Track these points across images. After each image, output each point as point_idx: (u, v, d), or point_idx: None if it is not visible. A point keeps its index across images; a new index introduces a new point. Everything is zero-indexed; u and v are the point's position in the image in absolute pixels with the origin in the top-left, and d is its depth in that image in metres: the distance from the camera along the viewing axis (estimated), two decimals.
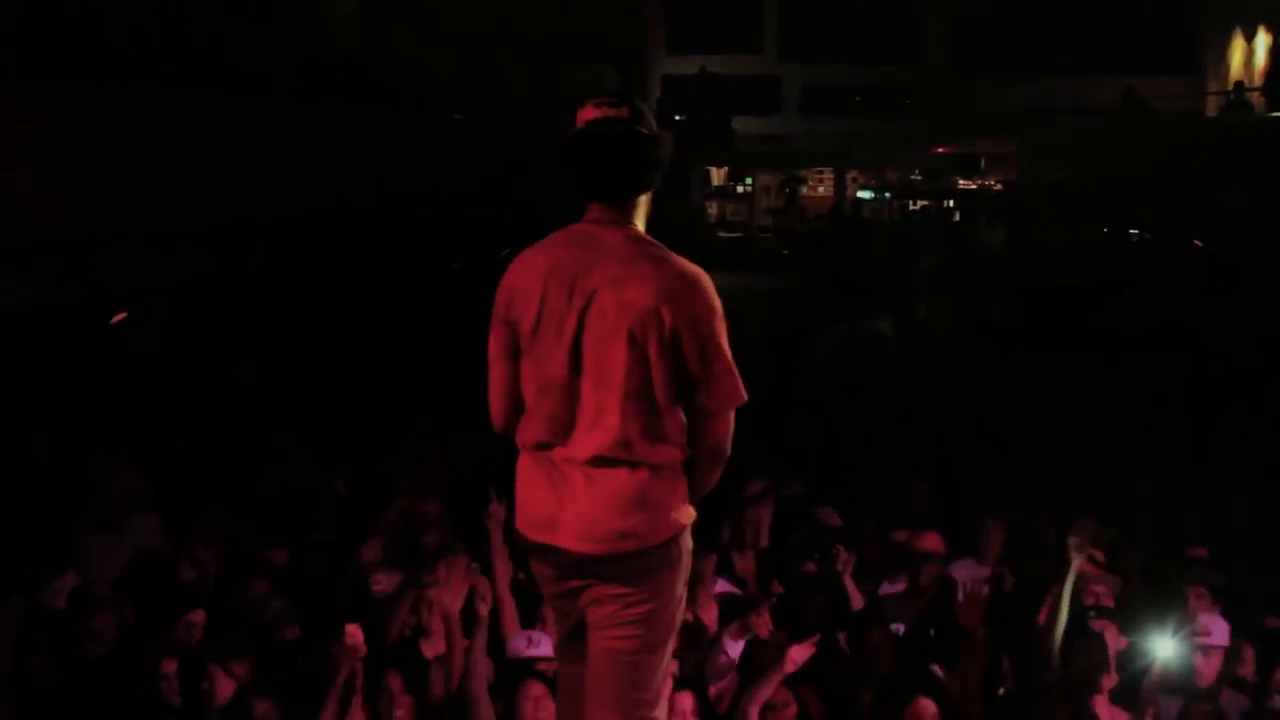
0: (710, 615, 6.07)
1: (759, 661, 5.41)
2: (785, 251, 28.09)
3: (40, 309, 8.86)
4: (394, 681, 5.27)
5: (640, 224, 3.38)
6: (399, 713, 5.23)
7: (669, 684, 3.75)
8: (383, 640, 5.61)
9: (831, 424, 10.33)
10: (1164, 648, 5.23)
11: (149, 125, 9.90)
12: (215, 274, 10.71)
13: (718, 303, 3.28)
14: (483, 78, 18.65)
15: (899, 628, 6.02)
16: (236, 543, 7.06)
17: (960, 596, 5.69)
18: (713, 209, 33.05)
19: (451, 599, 5.45)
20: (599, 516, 3.25)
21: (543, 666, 5.18)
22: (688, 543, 3.39)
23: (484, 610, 5.45)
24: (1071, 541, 5.37)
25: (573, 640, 3.49)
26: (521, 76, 20.01)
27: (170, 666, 5.45)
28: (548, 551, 3.34)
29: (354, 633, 5.01)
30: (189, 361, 10.87)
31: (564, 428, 3.28)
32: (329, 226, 12.59)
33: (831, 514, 7.52)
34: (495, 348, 3.39)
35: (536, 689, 5.07)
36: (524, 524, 3.40)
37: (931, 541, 6.79)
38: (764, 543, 6.93)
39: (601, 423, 3.24)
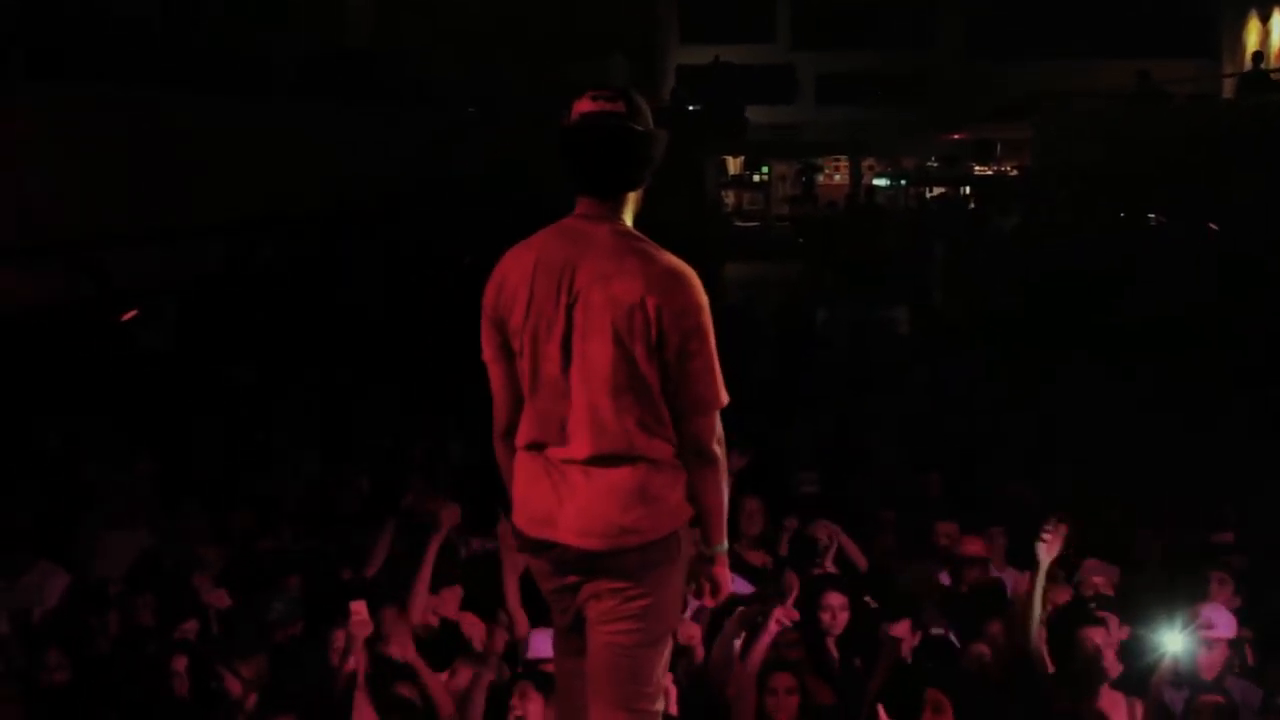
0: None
1: (747, 626, 5.36)
2: (801, 240, 28.04)
3: (48, 307, 8.89)
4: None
5: (629, 219, 3.35)
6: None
7: (668, 676, 3.73)
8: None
9: (842, 413, 10.27)
10: (1173, 642, 5.19)
11: (150, 124, 9.92)
12: (221, 272, 10.72)
13: (704, 299, 3.24)
14: (487, 75, 18.58)
15: (940, 629, 5.92)
16: (250, 542, 7.08)
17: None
18: (730, 198, 33.03)
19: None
20: (599, 512, 3.23)
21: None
22: (689, 535, 3.36)
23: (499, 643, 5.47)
24: (1040, 545, 5.32)
25: (571, 635, 3.48)
26: (522, 76, 19.92)
27: (180, 664, 5.46)
28: (547, 547, 3.33)
29: (359, 610, 4.99)
30: (200, 359, 10.89)
31: (558, 426, 3.26)
32: (330, 225, 12.58)
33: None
34: (489, 352, 3.37)
35: (523, 685, 4.97)
36: (522, 520, 3.38)
37: (974, 546, 6.74)
38: (756, 529, 6.83)
39: (596, 420, 3.21)
